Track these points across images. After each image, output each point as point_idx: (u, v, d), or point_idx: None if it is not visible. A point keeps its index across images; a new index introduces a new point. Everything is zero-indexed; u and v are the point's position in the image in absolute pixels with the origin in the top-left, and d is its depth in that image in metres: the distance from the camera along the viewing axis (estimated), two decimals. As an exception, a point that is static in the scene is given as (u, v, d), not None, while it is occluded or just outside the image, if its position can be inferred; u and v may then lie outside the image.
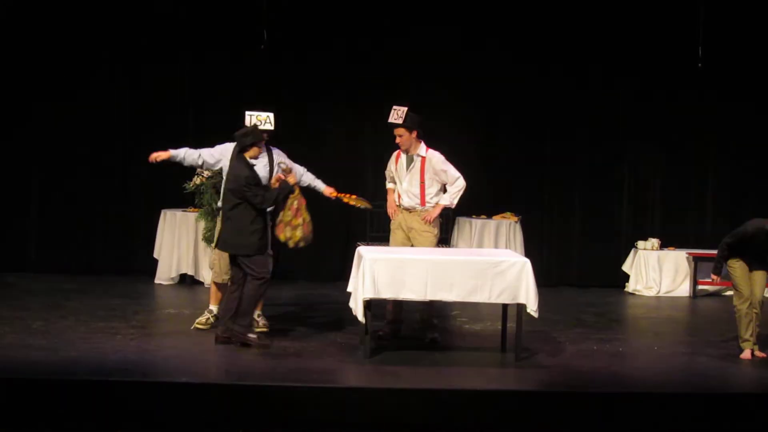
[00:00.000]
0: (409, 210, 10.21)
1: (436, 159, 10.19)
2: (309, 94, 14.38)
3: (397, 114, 10.04)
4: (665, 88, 14.70)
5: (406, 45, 14.31)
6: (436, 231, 10.25)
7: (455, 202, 10.32)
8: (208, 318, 10.35)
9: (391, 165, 10.45)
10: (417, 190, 10.16)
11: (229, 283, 9.84)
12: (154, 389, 8.06)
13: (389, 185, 10.55)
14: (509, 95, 14.76)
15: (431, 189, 10.20)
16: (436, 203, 10.19)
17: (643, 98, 14.77)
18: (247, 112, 9.98)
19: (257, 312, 10.16)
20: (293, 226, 9.55)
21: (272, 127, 9.93)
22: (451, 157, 14.58)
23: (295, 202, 9.54)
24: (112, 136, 14.34)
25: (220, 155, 9.95)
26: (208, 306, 10.47)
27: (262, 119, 9.90)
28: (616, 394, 8.33)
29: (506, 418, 7.98)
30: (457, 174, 10.23)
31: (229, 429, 7.74)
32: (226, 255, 9.90)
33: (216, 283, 10.37)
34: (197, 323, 10.31)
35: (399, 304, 10.03)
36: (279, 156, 10.15)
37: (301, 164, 10.42)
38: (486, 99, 14.76)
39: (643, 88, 14.72)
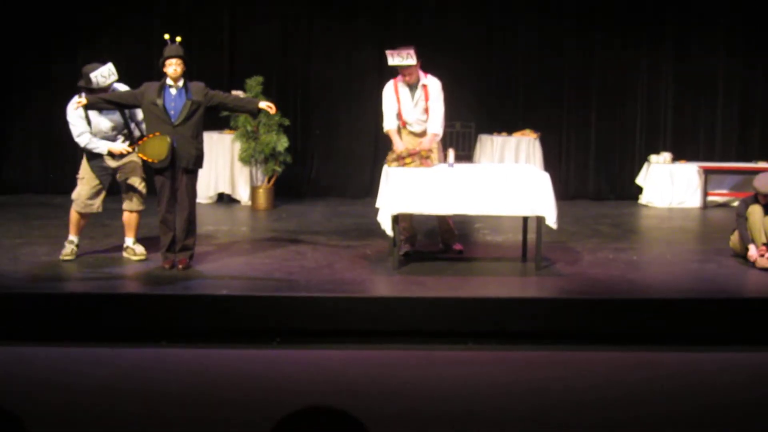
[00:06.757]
0: (418, 135, 10.23)
1: (435, 85, 10.09)
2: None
3: (404, 55, 9.81)
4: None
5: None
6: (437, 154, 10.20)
7: (441, 131, 10.25)
8: (73, 249, 9.99)
9: (391, 98, 10.21)
10: (425, 116, 10.16)
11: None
12: (194, 302, 8.39)
13: (390, 126, 10.23)
14: (526, 7, 15.03)
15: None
16: (431, 134, 10.05)
17: (658, 11, 15.04)
18: (91, 74, 9.51)
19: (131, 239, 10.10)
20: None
21: (116, 77, 9.65)
22: (469, 77, 14.81)
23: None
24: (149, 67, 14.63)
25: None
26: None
27: (105, 74, 9.55)
28: (632, 300, 8.62)
29: (527, 324, 8.25)
30: (442, 104, 10.13)
31: (266, 339, 7.99)
32: (90, 185, 9.89)
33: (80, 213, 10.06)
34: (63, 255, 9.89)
35: (410, 220, 10.17)
36: None
37: None
38: (502, 15, 15.03)
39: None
